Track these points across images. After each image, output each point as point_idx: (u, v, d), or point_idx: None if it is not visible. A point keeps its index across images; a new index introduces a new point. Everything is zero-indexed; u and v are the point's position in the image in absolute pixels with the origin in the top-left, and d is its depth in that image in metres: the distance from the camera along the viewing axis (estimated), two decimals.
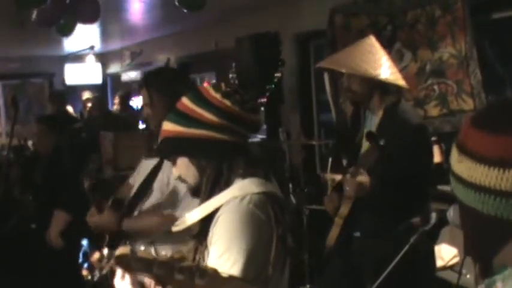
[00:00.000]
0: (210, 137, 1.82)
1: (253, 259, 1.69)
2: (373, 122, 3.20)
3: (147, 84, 3.12)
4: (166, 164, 2.91)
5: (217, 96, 1.84)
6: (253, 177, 1.83)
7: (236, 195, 1.77)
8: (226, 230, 1.72)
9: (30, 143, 7.78)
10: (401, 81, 3.11)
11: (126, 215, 3.01)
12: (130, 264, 1.47)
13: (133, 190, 3.12)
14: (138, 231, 2.97)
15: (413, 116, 3.15)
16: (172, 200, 2.87)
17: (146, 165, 3.14)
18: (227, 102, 1.83)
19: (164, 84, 3.05)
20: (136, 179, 3.20)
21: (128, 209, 3.04)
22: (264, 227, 1.74)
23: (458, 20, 4.55)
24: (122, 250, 1.54)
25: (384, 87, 3.11)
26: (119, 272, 1.63)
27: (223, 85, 1.88)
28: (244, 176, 1.83)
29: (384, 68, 3.09)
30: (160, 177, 3.01)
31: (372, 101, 3.17)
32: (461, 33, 4.54)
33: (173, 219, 2.72)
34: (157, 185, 3.01)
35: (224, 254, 1.69)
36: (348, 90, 3.19)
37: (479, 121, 1.16)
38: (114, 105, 8.89)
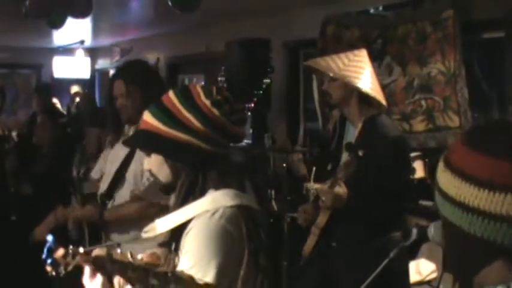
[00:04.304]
0: (191, 143, 1.77)
1: (223, 275, 1.65)
2: (352, 134, 3.22)
3: (122, 75, 3.16)
4: (139, 153, 2.91)
5: (207, 103, 1.78)
6: (227, 188, 1.78)
7: (208, 208, 1.72)
8: (197, 245, 1.68)
9: (14, 133, 7.72)
10: (379, 95, 3.14)
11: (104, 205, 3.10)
12: (105, 265, 1.46)
13: (108, 180, 3.15)
14: (119, 221, 3.05)
15: (391, 130, 3.17)
16: (154, 189, 2.88)
17: (115, 154, 3.17)
18: (216, 112, 1.78)
19: (139, 75, 3.11)
20: (107, 168, 3.24)
21: (105, 199, 3.12)
22: (235, 242, 1.70)
23: (449, 37, 4.57)
24: (98, 251, 1.53)
25: (363, 97, 3.14)
26: (87, 270, 1.58)
27: (214, 90, 1.82)
28: (217, 187, 1.77)
29: (365, 79, 3.12)
30: (133, 167, 3.03)
31: (349, 109, 3.19)
32: (451, 51, 4.56)
33: (155, 206, 2.77)
34: (130, 174, 3.04)
35: (193, 268, 1.63)
36: (326, 92, 3.24)
37: (472, 140, 1.15)
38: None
